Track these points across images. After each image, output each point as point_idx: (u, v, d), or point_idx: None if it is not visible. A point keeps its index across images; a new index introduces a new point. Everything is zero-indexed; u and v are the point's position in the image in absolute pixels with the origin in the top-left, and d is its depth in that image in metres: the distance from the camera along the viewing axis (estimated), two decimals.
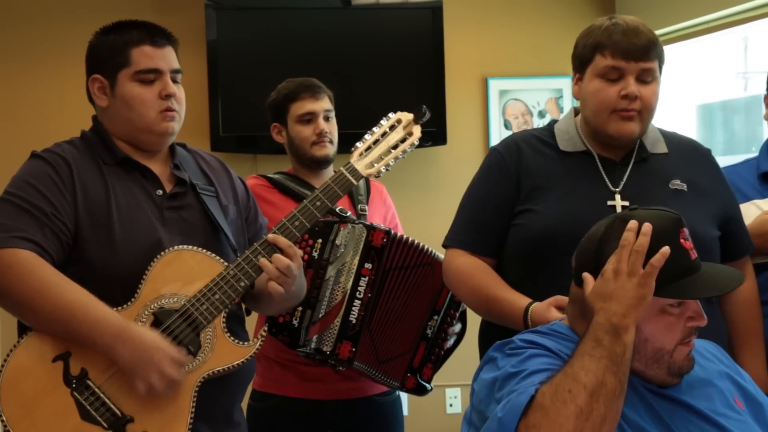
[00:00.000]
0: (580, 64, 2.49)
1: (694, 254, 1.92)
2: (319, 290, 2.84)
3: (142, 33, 2.41)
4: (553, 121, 2.61)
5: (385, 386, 3.06)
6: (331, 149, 3.20)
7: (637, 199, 2.08)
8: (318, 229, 2.87)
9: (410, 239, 2.93)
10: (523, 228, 2.45)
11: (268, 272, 2.33)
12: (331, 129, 3.22)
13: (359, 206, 3.15)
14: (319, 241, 2.85)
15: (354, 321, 2.83)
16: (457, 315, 2.97)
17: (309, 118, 3.20)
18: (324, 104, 3.23)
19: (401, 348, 2.90)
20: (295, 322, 2.84)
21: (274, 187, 3.16)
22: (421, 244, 2.95)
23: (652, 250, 1.85)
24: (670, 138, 2.59)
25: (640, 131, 2.45)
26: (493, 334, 2.48)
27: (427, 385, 2.93)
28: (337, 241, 2.86)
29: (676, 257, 1.87)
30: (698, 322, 1.92)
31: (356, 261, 2.85)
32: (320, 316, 2.83)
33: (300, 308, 2.83)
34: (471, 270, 2.51)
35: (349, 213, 2.98)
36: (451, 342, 2.99)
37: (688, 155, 2.58)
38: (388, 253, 2.86)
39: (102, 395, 2.22)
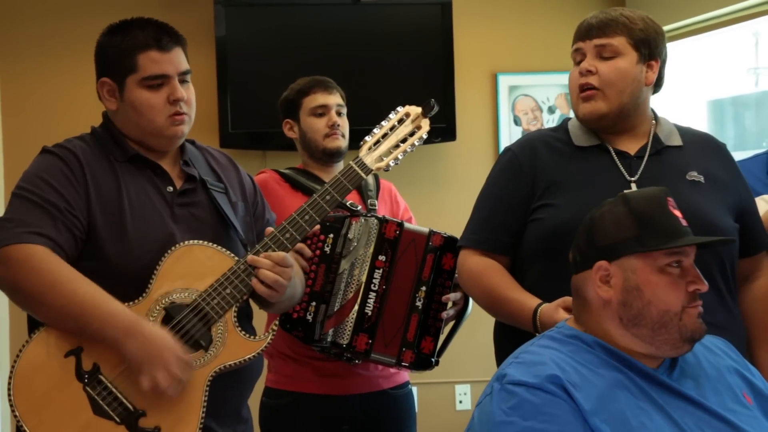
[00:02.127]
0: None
1: (684, 222, 1.99)
2: (333, 284, 2.85)
3: (148, 36, 2.39)
4: (567, 119, 2.63)
5: (399, 370, 3.05)
6: (343, 142, 3.23)
7: None
8: (329, 224, 2.89)
9: (420, 228, 2.94)
10: (541, 223, 2.46)
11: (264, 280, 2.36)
12: (343, 123, 3.26)
13: (369, 201, 3.17)
14: (331, 236, 2.87)
15: (370, 313, 2.84)
16: (452, 284, 2.95)
17: (322, 111, 3.23)
18: (336, 99, 3.28)
19: (398, 324, 2.89)
20: (309, 317, 2.85)
21: (285, 180, 3.19)
22: (420, 228, 2.95)
23: (644, 213, 1.97)
24: (685, 131, 2.61)
25: (609, 110, 2.47)
26: (507, 334, 2.51)
27: (430, 358, 2.91)
28: (350, 235, 2.87)
29: (667, 220, 1.97)
30: (699, 285, 1.96)
31: (370, 253, 2.86)
32: (335, 309, 2.84)
33: (314, 303, 2.84)
34: (482, 270, 2.52)
35: (359, 207, 3.00)
36: (451, 311, 2.96)
37: (704, 148, 2.59)
38: (401, 245, 2.88)
39: (114, 390, 2.24)
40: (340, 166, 3.27)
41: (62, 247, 2.27)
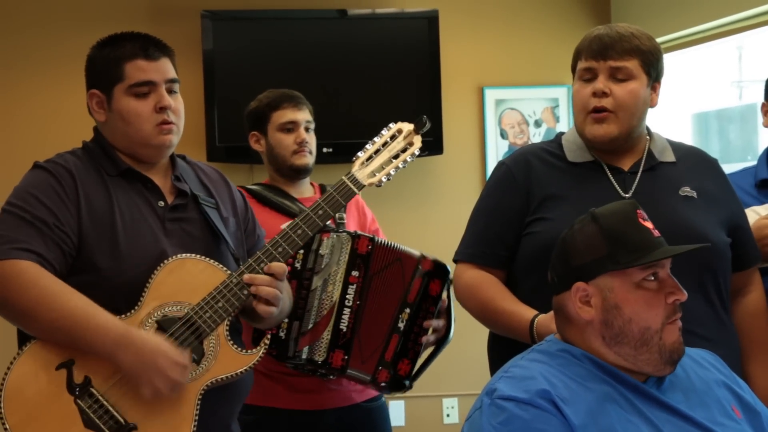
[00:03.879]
0: (572, 72, 2.57)
1: (656, 233, 2.00)
2: (305, 301, 2.85)
3: (135, 46, 2.42)
4: (560, 134, 2.64)
5: (371, 389, 3.06)
6: (310, 159, 3.24)
7: (648, 205, 2.10)
8: None
9: (391, 242, 2.94)
10: (536, 236, 2.47)
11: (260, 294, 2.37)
12: (311, 140, 3.27)
13: (337, 215, 3.17)
14: (301, 252, 2.87)
15: (345, 329, 2.84)
16: (436, 310, 2.96)
17: (291, 127, 3.24)
18: (305, 115, 3.28)
19: (377, 341, 2.89)
20: (282, 334, 2.85)
21: (253, 197, 3.18)
22: (398, 245, 2.94)
23: (614, 229, 1.97)
24: (677, 147, 2.63)
25: (618, 133, 2.47)
26: (502, 345, 2.52)
27: (404, 380, 2.90)
28: (321, 251, 2.86)
29: (638, 234, 1.97)
30: (678, 296, 1.96)
31: (343, 269, 2.86)
32: (309, 327, 2.83)
33: (286, 320, 2.84)
34: (478, 283, 2.54)
35: (328, 222, 3.02)
36: (431, 337, 2.97)
37: (696, 164, 2.61)
38: (374, 259, 2.89)
39: (105, 403, 2.25)
40: (307, 181, 3.29)
41: (51, 262, 2.27)
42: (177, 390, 2.25)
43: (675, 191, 2.51)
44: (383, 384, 2.88)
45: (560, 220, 2.39)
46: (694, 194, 2.51)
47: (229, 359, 2.34)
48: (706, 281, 2.44)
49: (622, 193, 2.48)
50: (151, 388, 2.22)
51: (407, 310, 2.87)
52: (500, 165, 2.63)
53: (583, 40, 2.52)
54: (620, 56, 2.45)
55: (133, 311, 2.30)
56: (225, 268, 2.39)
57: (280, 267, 2.40)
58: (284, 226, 2.48)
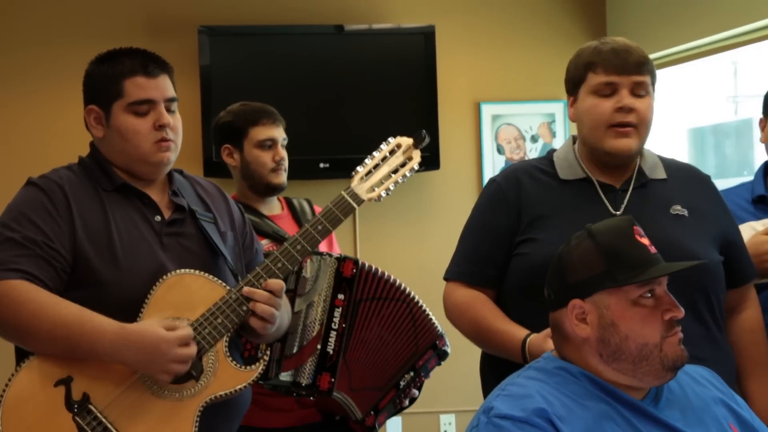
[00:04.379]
0: (573, 85, 2.53)
1: (653, 249, 1.99)
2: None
3: (135, 63, 2.43)
4: (552, 150, 2.63)
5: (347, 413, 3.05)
6: (285, 177, 3.23)
7: (638, 222, 2.10)
8: None
9: (379, 270, 2.94)
10: (525, 257, 2.47)
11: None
12: (286, 158, 3.25)
13: None
14: None
15: (331, 352, 2.84)
16: (422, 381, 2.99)
17: (270, 144, 3.22)
18: (282, 132, 3.26)
19: (374, 382, 2.91)
20: (260, 355, 2.86)
21: None
22: (391, 277, 2.95)
23: (610, 246, 1.96)
24: (669, 163, 2.62)
25: (637, 147, 2.48)
26: (494, 365, 2.51)
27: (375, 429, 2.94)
28: (305, 274, 2.85)
29: (634, 251, 1.97)
30: (674, 313, 1.96)
31: (328, 293, 2.85)
32: (294, 350, 2.82)
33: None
34: (469, 302, 2.52)
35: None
36: (406, 403, 2.99)
37: (687, 180, 2.60)
38: (358, 283, 2.87)
39: (104, 420, 2.25)
40: (275, 198, 3.28)
41: (42, 280, 2.28)
42: (191, 363, 2.28)
43: (666, 209, 2.50)
44: (367, 428, 2.91)
45: (549, 241, 2.38)
46: (685, 212, 2.51)
47: (228, 376, 2.34)
48: (697, 301, 2.42)
49: (613, 211, 2.47)
50: (167, 375, 2.26)
51: (411, 374, 2.91)
52: (491, 182, 2.62)
53: (593, 51, 2.49)
54: (639, 71, 2.45)
55: None
56: (224, 284, 2.40)
57: (277, 284, 2.40)
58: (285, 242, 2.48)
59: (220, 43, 4.82)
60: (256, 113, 3.24)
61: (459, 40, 5.14)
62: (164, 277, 2.35)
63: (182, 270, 2.37)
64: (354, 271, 2.86)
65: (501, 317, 2.47)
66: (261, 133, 3.22)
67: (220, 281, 2.40)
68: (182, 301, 2.34)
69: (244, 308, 2.37)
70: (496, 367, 2.45)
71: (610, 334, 1.95)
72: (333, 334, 2.84)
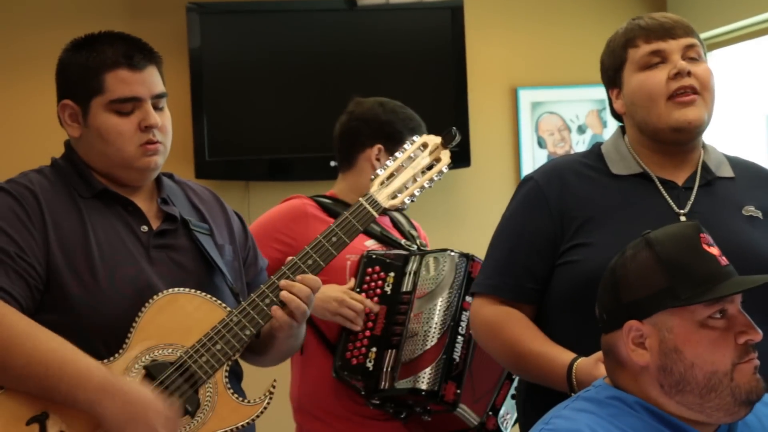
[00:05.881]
0: (614, 73, 2.58)
1: (724, 260, 1.97)
2: (404, 327, 2.92)
3: (117, 52, 2.43)
4: (598, 144, 2.65)
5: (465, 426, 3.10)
6: None
7: (707, 224, 2.07)
8: (389, 261, 2.98)
9: None
10: (575, 266, 2.45)
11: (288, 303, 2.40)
12: None
13: (418, 241, 3.28)
14: (392, 274, 2.94)
15: (457, 359, 2.91)
16: None
17: None
18: None
19: (489, 385, 2.98)
20: (370, 365, 2.92)
21: (323, 209, 3.25)
22: None
23: (673, 258, 1.94)
24: (735, 161, 2.63)
25: (707, 118, 2.49)
26: (535, 395, 2.50)
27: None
28: (429, 272, 2.93)
29: (702, 263, 1.94)
30: (751, 335, 1.93)
31: (456, 294, 2.94)
32: (416, 354, 2.90)
33: (374, 349, 2.91)
34: (502, 321, 2.50)
35: (414, 247, 3.09)
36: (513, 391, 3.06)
37: (757, 180, 2.62)
38: None
39: None
40: None
41: (15, 297, 2.29)
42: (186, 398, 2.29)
43: (737, 210, 2.51)
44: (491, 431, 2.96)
45: (604, 245, 2.38)
46: (759, 214, 2.51)
47: (228, 410, 2.36)
48: None
49: (677, 210, 2.48)
50: None
51: None
52: (527, 180, 2.61)
53: (626, 31, 2.54)
54: (687, 33, 2.49)
55: (117, 355, 2.33)
56: (224, 305, 2.42)
57: (315, 280, 2.42)
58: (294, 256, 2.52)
59: (213, 22, 4.84)
60: (419, 125, 3.38)
61: (491, 16, 5.15)
62: (155, 297, 2.36)
63: (176, 289, 2.39)
64: None
65: (541, 338, 2.45)
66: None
67: (219, 301, 2.42)
68: (175, 325, 2.36)
69: (247, 332, 2.39)
70: (538, 397, 2.46)
71: (673, 362, 1.93)
72: (460, 339, 2.92)
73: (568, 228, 2.50)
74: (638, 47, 2.51)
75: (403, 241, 3.09)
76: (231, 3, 4.92)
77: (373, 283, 2.95)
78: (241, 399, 2.40)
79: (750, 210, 2.52)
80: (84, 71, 2.44)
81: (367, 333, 2.91)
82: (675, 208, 2.49)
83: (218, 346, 2.37)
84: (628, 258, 2.00)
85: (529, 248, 2.52)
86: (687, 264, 1.95)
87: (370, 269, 3.08)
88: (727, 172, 2.59)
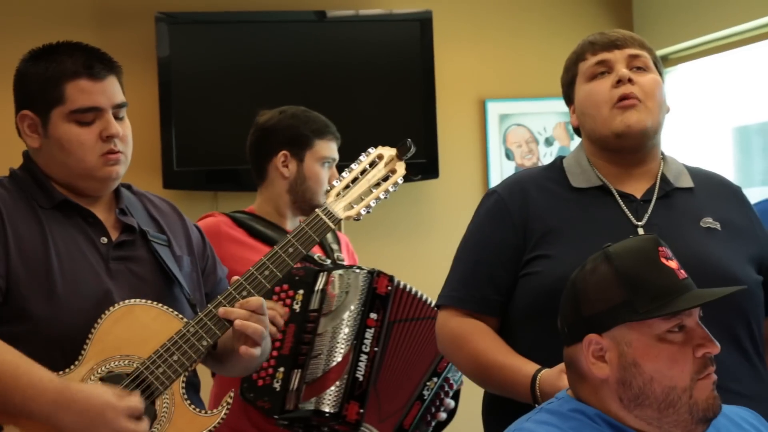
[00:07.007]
0: (568, 88, 2.62)
1: (682, 274, 1.98)
2: (310, 346, 2.90)
3: (77, 62, 2.43)
4: (560, 157, 2.67)
5: None
6: None
7: (665, 236, 2.09)
8: (298, 278, 2.94)
9: (413, 288, 3.02)
10: (535, 277, 2.47)
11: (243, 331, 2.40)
12: None
13: (336, 254, 3.23)
14: (301, 292, 2.92)
15: (361, 378, 2.89)
16: (454, 388, 3.02)
17: (330, 162, 3.32)
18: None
19: (399, 404, 2.96)
20: (277, 385, 2.89)
21: (240, 227, 3.23)
22: (423, 295, 3.03)
23: (632, 272, 1.95)
24: (695, 172, 2.65)
25: (651, 124, 2.51)
26: (499, 407, 2.51)
27: None
28: (332, 290, 2.91)
29: (660, 277, 1.95)
30: (709, 348, 1.94)
31: (359, 311, 2.92)
32: (318, 375, 2.88)
33: (282, 368, 2.88)
34: (467, 333, 2.51)
35: (328, 261, 3.06)
36: (443, 416, 3.04)
37: (717, 191, 2.63)
38: (393, 303, 2.94)
39: None
40: (297, 219, 3.33)
41: None
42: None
43: (695, 222, 2.52)
44: None
45: (563, 257, 2.41)
46: (717, 226, 2.53)
47: (185, 422, 2.36)
48: (736, 328, 2.43)
49: (635, 222, 2.49)
50: None
51: (435, 380, 2.95)
52: (491, 193, 2.63)
53: (577, 48, 2.60)
54: (633, 44, 2.54)
55: (72, 367, 2.32)
56: (181, 316, 2.42)
57: (257, 300, 2.42)
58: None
59: (181, 32, 4.84)
60: (325, 126, 3.35)
61: (460, 28, 5.16)
62: (111, 308, 2.36)
63: (132, 300, 2.39)
64: (389, 288, 2.93)
65: (505, 350, 2.46)
66: (326, 148, 3.32)
67: (175, 313, 2.42)
68: (132, 336, 2.36)
69: (204, 343, 2.38)
70: (502, 409, 2.47)
71: (632, 376, 1.94)
72: (363, 358, 2.90)
73: (529, 240, 2.52)
74: (586, 60, 2.56)
75: (316, 256, 3.06)
76: (200, 13, 4.92)
77: (281, 302, 2.91)
78: (198, 410, 2.39)
79: (708, 222, 2.54)
80: (44, 81, 2.44)
81: (274, 353, 2.87)
82: (633, 220, 2.50)
83: (175, 357, 2.36)
84: (587, 271, 2.01)
85: (494, 260, 2.54)
86: (645, 278, 1.95)
87: (278, 288, 3.01)
88: (687, 182, 2.60)
